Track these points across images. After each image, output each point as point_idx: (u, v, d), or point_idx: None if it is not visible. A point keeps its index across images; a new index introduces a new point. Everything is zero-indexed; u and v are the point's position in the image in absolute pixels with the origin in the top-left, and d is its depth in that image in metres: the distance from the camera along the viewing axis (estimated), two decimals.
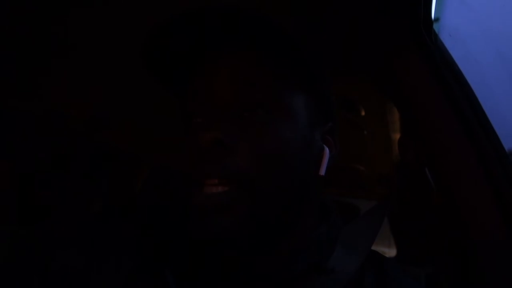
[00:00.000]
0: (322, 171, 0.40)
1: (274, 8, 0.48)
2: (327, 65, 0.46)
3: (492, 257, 0.48)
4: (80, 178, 0.83)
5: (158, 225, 0.43)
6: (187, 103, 0.40)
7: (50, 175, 0.80)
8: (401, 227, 0.75)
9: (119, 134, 0.85)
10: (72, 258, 0.40)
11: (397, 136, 0.93)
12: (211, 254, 0.39)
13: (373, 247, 0.43)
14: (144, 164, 0.91)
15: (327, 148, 0.41)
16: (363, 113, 1.01)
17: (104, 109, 0.79)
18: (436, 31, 0.56)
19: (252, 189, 0.36)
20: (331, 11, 0.50)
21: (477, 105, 0.51)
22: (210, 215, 0.35)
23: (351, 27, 0.53)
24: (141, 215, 0.46)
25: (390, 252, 1.03)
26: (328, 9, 0.50)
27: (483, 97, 0.52)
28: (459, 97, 0.51)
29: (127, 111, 0.77)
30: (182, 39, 0.39)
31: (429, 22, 0.53)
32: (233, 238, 0.36)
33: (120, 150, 0.89)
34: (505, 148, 0.50)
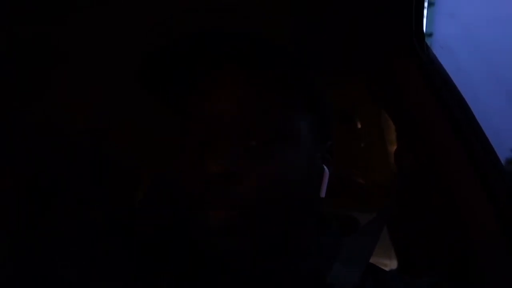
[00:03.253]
0: (323, 193, 0.40)
1: (274, 8, 0.48)
2: (327, 66, 0.46)
3: (491, 257, 0.48)
4: (80, 186, 0.83)
5: (159, 228, 0.43)
6: (191, 123, 0.39)
7: (51, 182, 0.80)
8: (400, 237, 0.75)
9: (121, 143, 0.85)
10: (71, 268, 0.40)
11: (393, 147, 0.94)
12: (211, 259, 0.39)
13: (374, 259, 0.43)
14: (145, 174, 0.91)
15: (326, 169, 0.41)
16: (359, 126, 1.02)
17: (105, 117, 0.79)
18: (429, 44, 0.58)
19: (256, 216, 0.36)
20: (331, 11, 0.51)
21: (468, 112, 0.52)
22: (213, 237, 0.35)
23: (351, 27, 0.53)
24: (143, 223, 0.46)
25: (392, 263, 1.03)
26: (328, 9, 0.50)
27: (473, 105, 0.54)
28: (451, 105, 0.52)
29: (129, 120, 0.78)
30: (186, 58, 0.39)
31: (421, 35, 0.55)
32: (236, 258, 0.37)
33: (121, 159, 0.88)
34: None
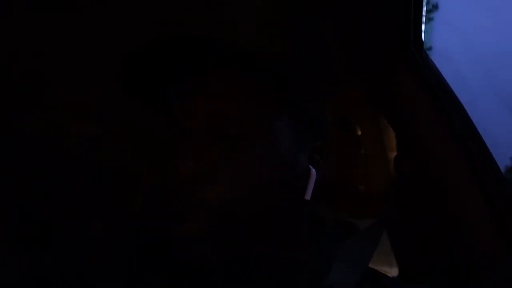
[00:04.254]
0: (308, 195, 0.39)
1: (274, 9, 0.48)
2: (327, 68, 0.46)
3: (489, 262, 0.48)
4: (79, 197, 0.83)
5: (158, 229, 0.43)
6: (168, 127, 0.39)
7: (49, 195, 0.80)
8: (400, 241, 0.75)
9: (120, 144, 0.85)
10: (71, 268, 0.40)
11: (393, 154, 0.94)
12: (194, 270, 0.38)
13: (375, 266, 0.43)
14: (145, 174, 0.91)
15: (313, 170, 0.40)
16: (359, 133, 1.03)
17: (105, 119, 0.79)
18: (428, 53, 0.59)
19: (231, 218, 0.35)
20: (331, 11, 0.50)
21: (466, 117, 0.53)
22: (189, 247, 0.35)
23: (349, 32, 0.53)
24: (142, 224, 0.46)
25: (393, 271, 1.02)
26: (328, 9, 0.50)
27: (471, 112, 0.54)
28: (450, 112, 0.53)
29: (127, 121, 0.77)
30: (158, 62, 0.39)
31: (420, 43, 0.55)
32: (216, 267, 0.36)
33: (120, 160, 0.88)
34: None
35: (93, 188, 0.85)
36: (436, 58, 0.60)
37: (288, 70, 0.42)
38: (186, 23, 0.47)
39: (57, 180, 0.80)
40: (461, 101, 0.55)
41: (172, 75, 0.40)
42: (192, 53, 0.38)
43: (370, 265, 0.42)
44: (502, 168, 0.54)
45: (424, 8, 0.55)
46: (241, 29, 0.46)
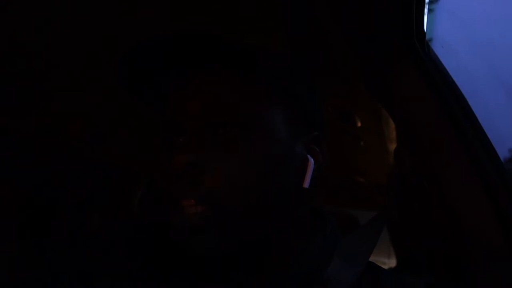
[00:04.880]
0: (306, 183, 0.39)
1: (274, 6, 0.48)
2: (327, 63, 0.46)
3: (489, 257, 0.48)
4: (78, 194, 0.83)
5: (156, 225, 0.43)
6: (162, 121, 0.40)
7: (50, 191, 0.80)
8: (400, 236, 0.76)
9: (116, 149, 0.85)
10: (72, 279, 0.40)
11: (393, 146, 0.95)
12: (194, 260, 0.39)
13: (373, 258, 0.43)
14: (140, 178, 0.91)
15: (311, 159, 0.41)
16: (359, 124, 1.02)
17: (100, 124, 0.79)
18: (430, 44, 0.58)
19: (227, 208, 0.36)
20: (332, 7, 0.50)
21: (469, 110, 0.52)
22: (188, 236, 0.35)
23: (352, 25, 0.53)
24: (139, 229, 0.46)
25: (390, 262, 1.03)
26: (329, 5, 0.50)
27: (474, 104, 0.53)
28: (452, 104, 0.52)
29: (123, 126, 0.78)
30: (153, 58, 0.39)
31: (421, 35, 0.55)
32: (215, 257, 0.37)
33: (116, 164, 0.88)
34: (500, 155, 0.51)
35: (93, 183, 0.85)
36: (438, 49, 0.60)
37: (287, 65, 0.42)
38: (186, 23, 0.47)
39: (57, 176, 0.80)
40: (464, 92, 0.55)
41: (171, 73, 0.40)
42: (191, 50, 0.38)
43: None
44: (502, 160, 0.54)
45: None
46: (240, 26, 0.46)
